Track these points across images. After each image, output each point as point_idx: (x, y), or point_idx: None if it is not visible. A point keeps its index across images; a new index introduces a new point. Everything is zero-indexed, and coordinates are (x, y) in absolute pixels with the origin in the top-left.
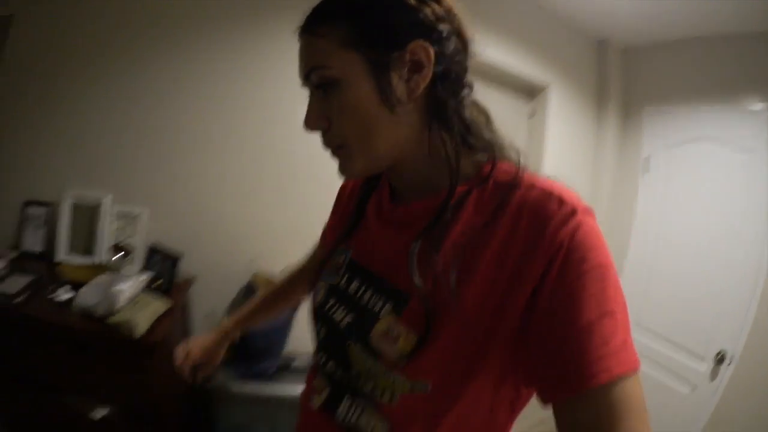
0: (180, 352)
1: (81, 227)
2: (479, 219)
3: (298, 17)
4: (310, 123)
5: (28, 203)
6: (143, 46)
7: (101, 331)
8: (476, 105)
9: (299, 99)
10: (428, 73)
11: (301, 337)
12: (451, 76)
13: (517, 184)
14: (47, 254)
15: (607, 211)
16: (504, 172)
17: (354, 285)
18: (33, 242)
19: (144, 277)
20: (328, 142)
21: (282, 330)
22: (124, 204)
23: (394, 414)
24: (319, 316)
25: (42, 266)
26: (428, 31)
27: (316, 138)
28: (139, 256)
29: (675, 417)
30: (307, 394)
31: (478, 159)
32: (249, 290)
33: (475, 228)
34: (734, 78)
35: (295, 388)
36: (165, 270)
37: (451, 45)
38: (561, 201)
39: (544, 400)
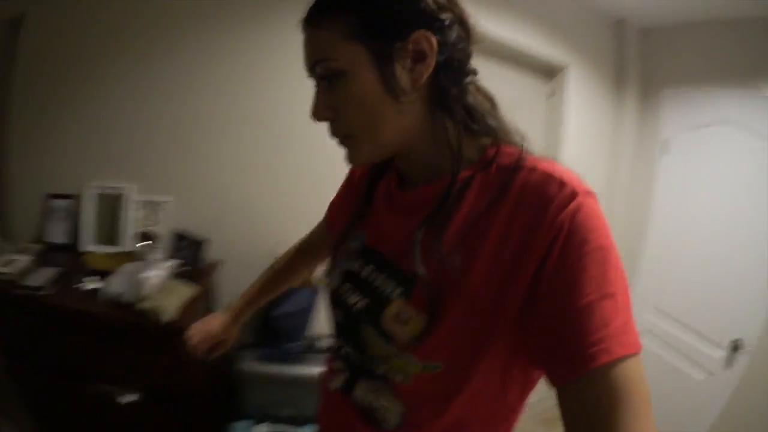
0: (192, 332)
1: (105, 217)
2: (483, 202)
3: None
4: (317, 114)
5: (51, 196)
6: (160, 37)
7: (129, 318)
8: (481, 90)
9: None
10: (431, 62)
11: (325, 318)
12: (453, 64)
13: (519, 167)
14: (72, 245)
15: (626, 193)
16: (507, 155)
17: (367, 269)
18: (57, 234)
19: (170, 264)
20: (335, 132)
21: (306, 312)
22: (148, 193)
23: (408, 394)
24: (336, 300)
25: (67, 257)
26: (430, 21)
27: None
28: (164, 243)
29: (690, 403)
30: (326, 377)
31: (482, 143)
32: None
33: (479, 211)
34: (754, 62)
35: (319, 369)
36: (190, 256)
37: (454, 33)
38: (561, 183)
39: (551, 382)
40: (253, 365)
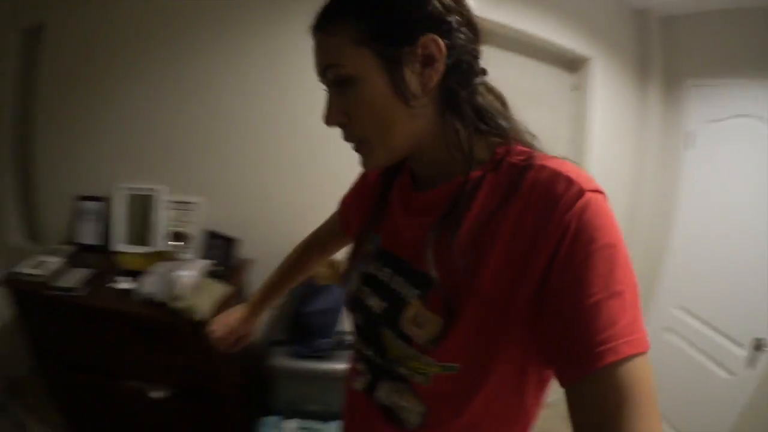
0: (214, 326)
1: (136, 218)
2: (493, 202)
3: None
4: (329, 119)
5: (81, 198)
6: (187, 39)
7: (163, 317)
8: (492, 90)
9: None
10: (440, 66)
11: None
12: (462, 66)
13: (529, 165)
14: (103, 246)
15: (652, 188)
16: (517, 154)
17: (385, 272)
18: (88, 235)
19: (203, 263)
20: (348, 137)
21: (336, 309)
22: (178, 194)
23: (428, 394)
24: (355, 304)
25: (98, 258)
26: (438, 24)
27: None
28: (196, 243)
29: (713, 401)
30: (349, 377)
31: (493, 142)
32: None
33: (490, 211)
34: None
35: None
36: (222, 255)
37: (462, 35)
38: (569, 181)
39: (559, 381)
40: (284, 361)
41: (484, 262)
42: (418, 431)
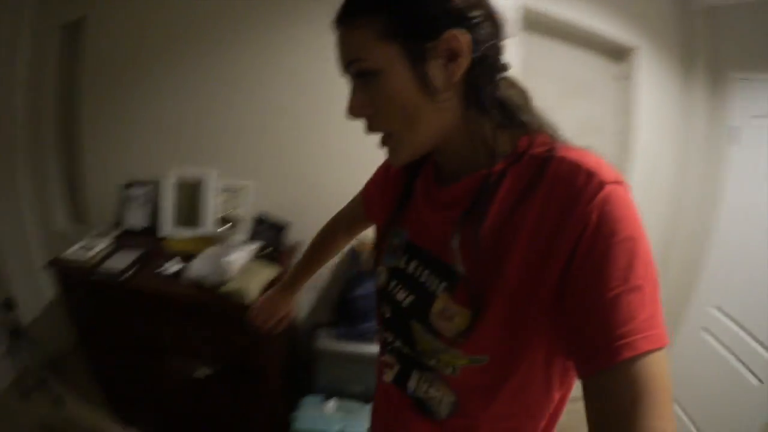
0: (256, 310)
1: (185, 202)
2: (516, 194)
3: None
4: (353, 111)
5: (130, 184)
6: (238, 29)
7: (214, 300)
8: (515, 85)
9: None
10: (464, 61)
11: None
12: (486, 61)
13: (550, 156)
14: (151, 230)
15: (696, 186)
16: (539, 145)
17: (412, 265)
18: (136, 219)
19: (253, 247)
20: (371, 128)
21: None
22: (227, 178)
23: (458, 385)
24: (384, 297)
25: (146, 241)
26: (462, 19)
27: None
28: (245, 227)
29: (739, 407)
30: (380, 369)
31: (516, 134)
32: (353, 254)
33: (513, 203)
34: None
35: None
36: (272, 238)
37: (485, 30)
38: (589, 173)
39: (578, 374)
40: (327, 343)
41: (509, 254)
42: (448, 422)
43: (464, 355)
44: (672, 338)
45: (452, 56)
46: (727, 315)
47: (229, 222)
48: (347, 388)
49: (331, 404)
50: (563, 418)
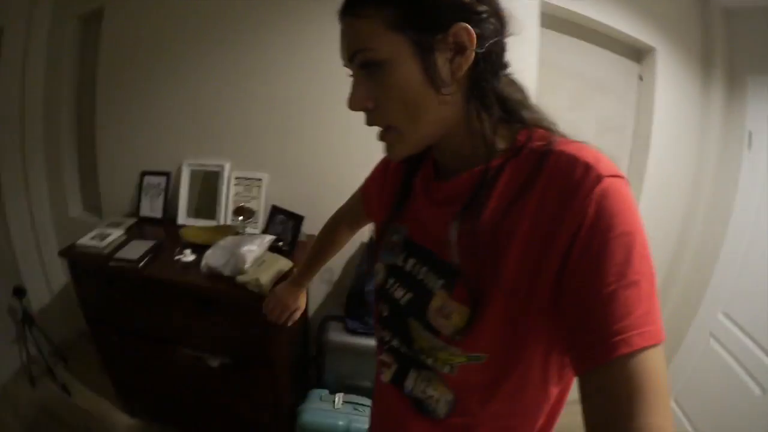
0: (270, 306)
1: (201, 193)
2: (515, 188)
3: None
4: (355, 103)
5: (146, 173)
6: (251, 21)
7: (227, 290)
8: (514, 83)
9: None
10: (471, 55)
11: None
12: (491, 56)
13: (548, 150)
14: (167, 220)
15: (710, 190)
16: (538, 139)
17: (411, 262)
18: (151, 209)
19: (268, 238)
20: (372, 121)
21: None
22: (243, 170)
23: (456, 384)
24: (382, 295)
25: (161, 231)
26: (469, 13)
27: None
28: (260, 218)
29: (741, 416)
30: (378, 368)
31: (515, 129)
32: (369, 247)
33: (511, 198)
34: None
35: None
36: (287, 230)
37: (491, 26)
38: (587, 167)
39: (574, 370)
40: (338, 336)
41: (508, 248)
42: (446, 421)
43: (462, 353)
44: (679, 343)
45: (459, 50)
46: (733, 320)
47: (244, 213)
48: (354, 382)
49: (338, 398)
50: (562, 420)
